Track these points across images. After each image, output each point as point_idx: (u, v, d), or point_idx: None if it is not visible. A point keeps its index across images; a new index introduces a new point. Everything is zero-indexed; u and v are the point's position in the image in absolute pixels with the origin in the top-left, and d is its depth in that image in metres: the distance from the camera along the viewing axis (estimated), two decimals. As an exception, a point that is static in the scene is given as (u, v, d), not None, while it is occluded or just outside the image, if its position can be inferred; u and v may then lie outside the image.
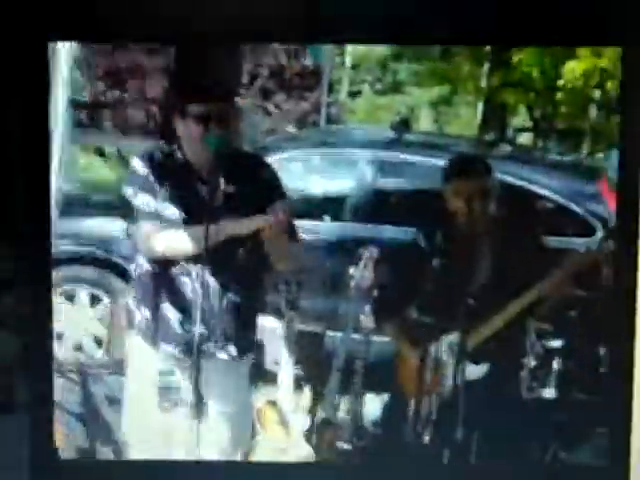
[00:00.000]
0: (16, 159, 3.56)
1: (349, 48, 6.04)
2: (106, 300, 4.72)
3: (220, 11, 3.51)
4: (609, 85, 5.11)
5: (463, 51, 5.40)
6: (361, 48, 6.44)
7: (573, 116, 5.57)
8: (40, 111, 3.61)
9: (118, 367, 4.07)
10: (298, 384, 4.34)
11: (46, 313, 3.65)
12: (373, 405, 4.27)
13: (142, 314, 3.83)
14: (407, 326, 3.97)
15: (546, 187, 4.93)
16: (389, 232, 4.75)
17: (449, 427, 3.59)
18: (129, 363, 3.96)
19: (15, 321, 3.64)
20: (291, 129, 6.18)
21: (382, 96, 7.06)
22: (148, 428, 3.82)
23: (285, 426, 4.25)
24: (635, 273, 3.38)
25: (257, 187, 3.77)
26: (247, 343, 3.88)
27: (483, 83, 5.72)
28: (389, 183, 5.25)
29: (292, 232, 3.74)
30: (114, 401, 4.08)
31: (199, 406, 3.68)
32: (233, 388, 3.89)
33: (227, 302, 3.75)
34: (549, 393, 4.05)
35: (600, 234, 4.88)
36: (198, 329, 3.66)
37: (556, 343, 4.11)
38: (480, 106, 6.12)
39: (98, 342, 4.70)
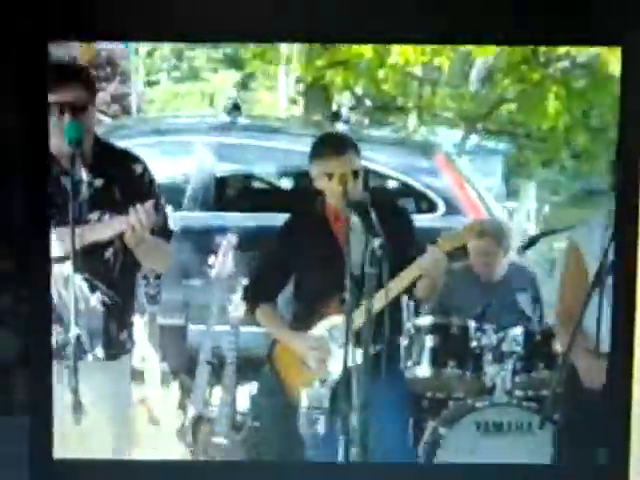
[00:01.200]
0: (16, 159, 3.46)
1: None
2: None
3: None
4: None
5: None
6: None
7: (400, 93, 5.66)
8: (39, 111, 3.48)
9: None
10: (166, 380, 4.21)
11: (46, 313, 3.54)
12: (248, 397, 4.17)
13: None
14: (281, 313, 3.88)
15: (385, 165, 4.97)
16: (250, 220, 4.67)
17: (341, 415, 3.51)
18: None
19: (15, 321, 3.54)
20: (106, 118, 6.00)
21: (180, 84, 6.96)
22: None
23: (156, 424, 4.11)
24: (635, 270, 3.42)
25: (128, 184, 3.60)
26: (118, 343, 3.68)
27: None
28: (231, 169, 5.17)
29: (160, 231, 3.61)
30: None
31: (78, 410, 3.48)
32: (109, 389, 3.68)
33: (96, 302, 3.57)
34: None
35: (443, 210, 4.98)
36: (72, 331, 3.46)
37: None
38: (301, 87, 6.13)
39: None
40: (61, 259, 3.52)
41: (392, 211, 3.83)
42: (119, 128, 5.56)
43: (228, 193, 5.23)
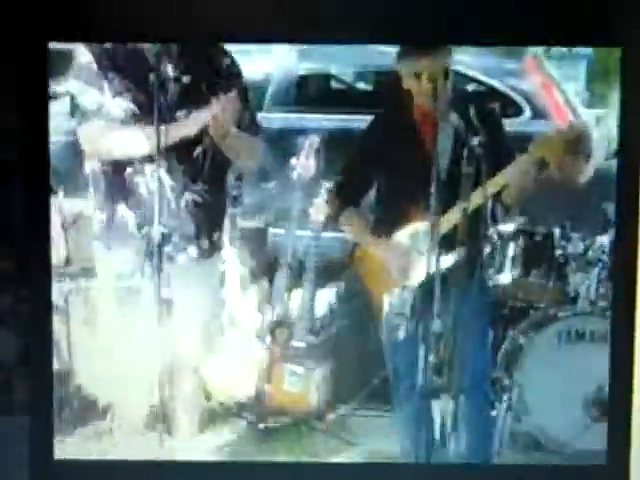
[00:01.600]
0: (15, 159, 3.50)
1: None
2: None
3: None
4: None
5: None
6: None
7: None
8: (39, 111, 3.51)
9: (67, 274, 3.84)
10: (245, 283, 4.20)
11: (46, 313, 3.58)
12: (328, 301, 4.14)
13: (99, 218, 3.59)
14: (365, 217, 3.82)
15: (469, 66, 4.82)
16: (333, 121, 4.58)
17: (424, 320, 3.48)
18: (82, 270, 3.77)
19: (15, 321, 3.59)
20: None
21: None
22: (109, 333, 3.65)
23: (236, 326, 4.11)
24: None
25: (215, 79, 3.55)
26: (210, 243, 3.67)
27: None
28: (312, 68, 5.06)
29: (247, 125, 3.55)
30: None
31: (161, 309, 3.49)
32: (196, 290, 3.73)
33: (186, 202, 3.54)
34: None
35: (528, 113, 4.84)
36: (157, 230, 3.44)
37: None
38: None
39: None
40: (149, 157, 3.49)
41: (483, 112, 3.72)
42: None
43: (309, 93, 5.12)
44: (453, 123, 3.46)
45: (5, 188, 3.51)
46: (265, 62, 4.87)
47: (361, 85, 5.36)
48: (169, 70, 3.51)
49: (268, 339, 4.11)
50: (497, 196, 3.62)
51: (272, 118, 4.53)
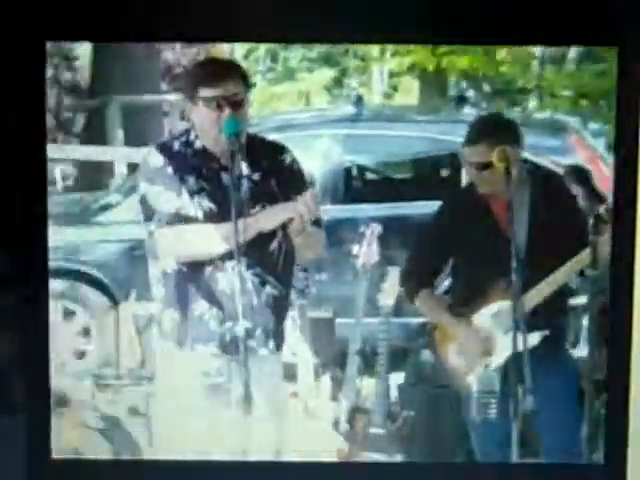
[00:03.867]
0: (14, 159, 3.46)
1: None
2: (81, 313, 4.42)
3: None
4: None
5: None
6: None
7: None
8: (38, 111, 3.51)
9: (145, 377, 3.83)
10: (317, 373, 4.21)
11: (45, 313, 3.56)
12: (402, 385, 4.15)
13: (171, 317, 3.58)
14: (441, 298, 3.85)
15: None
16: (385, 209, 4.65)
17: (510, 400, 3.49)
18: (159, 370, 3.73)
19: (14, 321, 3.53)
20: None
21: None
22: (190, 432, 3.63)
23: (311, 417, 4.10)
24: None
25: (282, 175, 3.63)
26: (282, 337, 3.72)
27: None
28: (358, 160, 5.15)
29: (316, 220, 3.61)
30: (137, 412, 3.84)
31: (247, 404, 3.49)
32: (273, 383, 3.75)
33: (265, 296, 3.57)
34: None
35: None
36: (242, 325, 3.46)
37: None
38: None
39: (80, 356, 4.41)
40: (228, 254, 3.52)
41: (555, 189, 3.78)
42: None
43: (355, 185, 5.21)
44: (527, 200, 3.50)
45: (5, 188, 3.48)
46: (309, 155, 4.95)
47: (399, 174, 5.45)
48: (242, 168, 3.56)
49: (345, 428, 4.10)
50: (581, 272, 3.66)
51: (327, 209, 4.58)
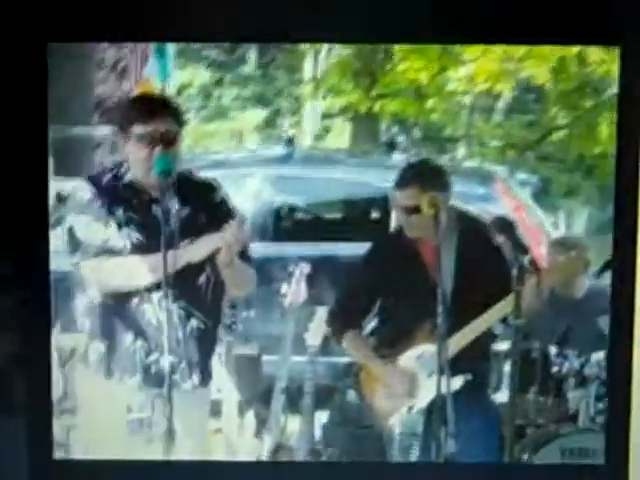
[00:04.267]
0: (15, 159, 3.45)
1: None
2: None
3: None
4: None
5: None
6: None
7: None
8: (39, 111, 3.51)
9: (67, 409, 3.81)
10: (241, 410, 4.20)
11: (45, 313, 3.55)
12: (326, 425, 4.16)
13: (96, 349, 3.57)
14: (368, 339, 3.89)
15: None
16: (317, 250, 4.68)
17: (433, 442, 3.53)
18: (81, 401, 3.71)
19: (14, 321, 3.52)
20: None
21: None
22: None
23: (234, 454, 4.10)
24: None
25: (211, 211, 3.64)
26: (207, 371, 3.69)
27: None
28: (287, 200, 5.19)
29: (245, 254, 3.62)
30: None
31: (170, 439, 3.47)
32: (196, 418, 3.70)
33: (191, 330, 3.57)
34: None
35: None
36: (167, 358, 3.46)
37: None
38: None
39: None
40: (156, 286, 3.52)
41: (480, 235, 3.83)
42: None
43: (285, 224, 5.24)
44: (454, 246, 3.55)
45: (5, 188, 3.47)
46: (240, 193, 4.96)
47: (328, 215, 5.50)
48: (172, 203, 3.56)
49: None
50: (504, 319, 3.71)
51: (257, 247, 4.59)
